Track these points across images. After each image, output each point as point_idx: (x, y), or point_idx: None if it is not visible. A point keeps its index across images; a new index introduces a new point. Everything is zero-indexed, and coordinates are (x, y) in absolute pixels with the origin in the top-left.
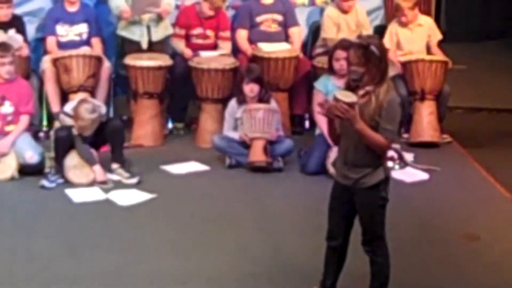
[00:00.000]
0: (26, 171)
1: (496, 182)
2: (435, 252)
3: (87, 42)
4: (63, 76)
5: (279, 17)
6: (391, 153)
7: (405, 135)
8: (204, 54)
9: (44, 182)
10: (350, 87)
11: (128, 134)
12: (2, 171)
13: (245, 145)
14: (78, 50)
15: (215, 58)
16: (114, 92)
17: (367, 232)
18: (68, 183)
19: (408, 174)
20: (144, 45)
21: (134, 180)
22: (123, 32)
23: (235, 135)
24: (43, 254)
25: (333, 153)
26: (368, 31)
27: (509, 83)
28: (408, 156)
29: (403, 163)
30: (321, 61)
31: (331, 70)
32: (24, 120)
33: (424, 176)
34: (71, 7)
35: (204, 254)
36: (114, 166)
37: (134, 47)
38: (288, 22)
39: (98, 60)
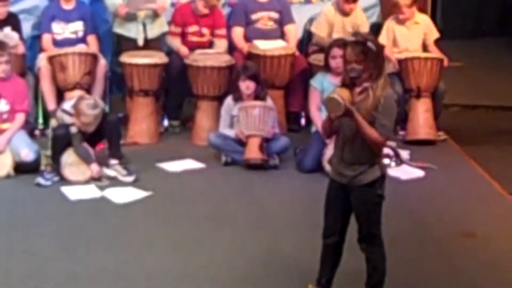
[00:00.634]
0: (22, 169)
1: (492, 179)
2: (431, 249)
3: (82, 40)
4: (59, 74)
5: (275, 15)
6: (387, 150)
7: (401, 133)
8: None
9: (40, 180)
10: (346, 84)
11: (124, 132)
12: None
13: (241, 142)
14: (74, 47)
15: (210, 56)
16: (109, 89)
17: (363, 229)
18: (64, 181)
19: (404, 171)
20: (140, 42)
21: (130, 179)
22: (119, 30)
23: (231, 133)
24: (39, 252)
25: (329, 151)
26: (434, 35)
27: (505, 81)
28: (404, 154)
29: (399, 161)
30: (317, 59)
31: (327, 68)
32: (20, 118)
33: (419, 173)
34: (67, 5)
35: (200, 251)
36: (113, 162)
37: (130, 44)
38: (283, 19)
39: (94, 57)
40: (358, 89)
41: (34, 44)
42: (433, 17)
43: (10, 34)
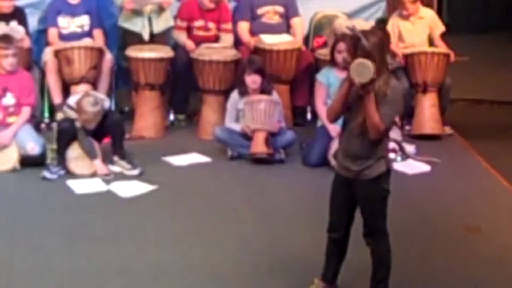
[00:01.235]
0: (28, 162)
1: (498, 174)
2: (436, 244)
3: (88, 34)
4: (65, 68)
5: (280, 9)
6: (392, 145)
7: (407, 127)
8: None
9: (46, 174)
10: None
11: (130, 126)
12: (3, 163)
13: (247, 136)
14: (80, 41)
15: (216, 50)
16: (115, 83)
17: (368, 224)
18: (70, 175)
19: (409, 166)
20: (146, 36)
21: (136, 172)
22: (124, 24)
23: (236, 127)
24: (44, 246)
25: (335, 145)
26: (440, 29)
27: (511, 76)
28: (410, 148)
29: (405, 155)
30: (323, 53)
31: (333, 62)
32: (26, 111)
33: (425, 168)
34: None
35: (206, 245)
36: (115, 158)
37: (135, 38)
38: (289, 13)
39: (100, 51)
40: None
41: (40, 38)
42: (439, 12)
43: (16, 28)
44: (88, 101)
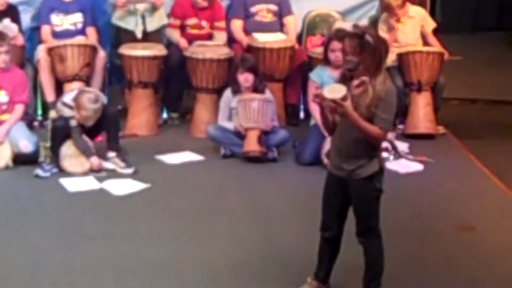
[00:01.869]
0: (21, 160)
1: (491, 174)
2: (429, 243)
3: (82, 32)
4: (58, 65)
5: (274, 7)
6: (385, 144)
7: (400, 126)
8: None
9: (39, 172)
10: (345, 77)
11: (123, 124)
12: None
13: (240, 135)
14: (73, 39)
15: (209, 48)
16: (109, 81)
17: (361, 223)
18: (63, 173)
19: (402, 165)
20: (139, 34)
21: (130, 170)
22: (118, 22)
23: (229, 125)
24: (36, 244)
25: (328, 144)
26: (431, 25)
27: (504, 75)
28: (403, 147)
29: (398, 154)
30: (317, 52)
31: (326, 61)
32: (19, 109)
33: (418, 167)
34: None
35: (198, 243)
36: (111, 154)
37: (129, 36)
38: (282, 11)
39: (93, 49)
40: (355, 82)
41: (33, 35)
42: (432, 11)
43: (10, 26)
44: (88, 97)
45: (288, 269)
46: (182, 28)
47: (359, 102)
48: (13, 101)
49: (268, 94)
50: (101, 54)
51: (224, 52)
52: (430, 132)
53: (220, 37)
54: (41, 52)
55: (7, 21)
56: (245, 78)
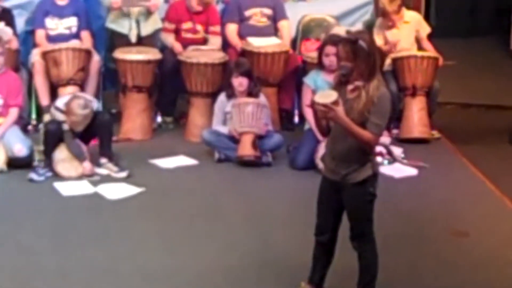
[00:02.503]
0: (15, 164)
1: (485, 178)
2: (423, 248)
3: (76, 36)
4: (53, 69)
5: (268, 11)
6: (380, 148)
7: (395, 131)
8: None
9: (33, 175)
10: (341, 82)
11: (117, 128)
12: None
13: (234, 139)
14: (68, 43)
15: (204, 52)
16: (103, 85)
17: (355, 227)
18: (57, 177)
19: (396, 169)
20: (133, 38)
21: (123, 174)
22: (112, 25)
23: (224, 130)
24: (30, 248)
25: (322, 148)
26: (426, 30)
27: (498, 80)
28: (397, 151)
29: (392, 159)
30: (311, 56)
31: (320, 66)
32: (13, 113)
33: (412, 171)
34: (61, 0)
35: (193, 248)
36: (103, 160)
37: (123, 40)
38: (277, 15)
39: (88, 53)
40: (350, 87)
41: (27, 39)
42: (427, 15)
43: (4, 29)
44: (78, 103)
45: (282, 273)
46: (177, 32)
47: (352, 107)
48: (7, 105)
49: (262, 99)
50: (96, 58)
51: (218, 56)
52: (424, 137)
53: (215, 41)
54: (35, 56)
55: (1, 25)
56: (240, 83)
